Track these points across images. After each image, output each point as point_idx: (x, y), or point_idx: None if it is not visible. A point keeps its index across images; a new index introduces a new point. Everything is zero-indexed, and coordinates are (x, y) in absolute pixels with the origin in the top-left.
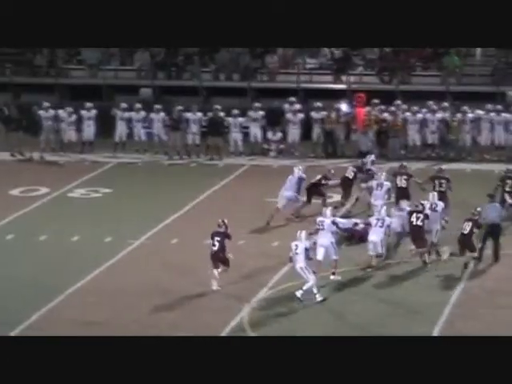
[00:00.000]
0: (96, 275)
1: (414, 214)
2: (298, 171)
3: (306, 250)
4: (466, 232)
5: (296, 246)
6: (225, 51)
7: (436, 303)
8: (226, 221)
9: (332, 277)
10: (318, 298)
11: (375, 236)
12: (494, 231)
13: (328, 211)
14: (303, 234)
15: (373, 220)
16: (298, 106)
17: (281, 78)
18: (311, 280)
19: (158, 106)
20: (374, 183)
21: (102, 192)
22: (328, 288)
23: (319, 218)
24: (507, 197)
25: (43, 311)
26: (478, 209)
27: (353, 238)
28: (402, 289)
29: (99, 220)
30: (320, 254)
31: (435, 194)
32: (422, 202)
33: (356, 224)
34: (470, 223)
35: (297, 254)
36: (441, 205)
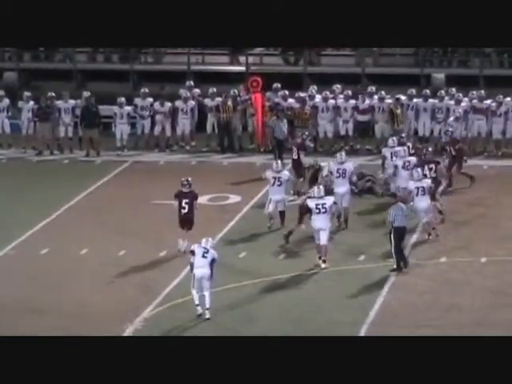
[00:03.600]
0: None
1: None
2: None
3: (214, 261)
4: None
5: (206, 250)
6: None
7: (351, 322)
8: (189, 179)
9: (323, 265)
10: (208, 314)
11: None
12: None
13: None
14: (210, 241)
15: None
16: (197, 91)
17: (168, 59)
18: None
19: (27, 94)
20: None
21: None
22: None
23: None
24: None
25: None
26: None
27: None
28: (314, 305)
29: None
30: (323, 239)
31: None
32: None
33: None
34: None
35: (205, 257)
36: None
